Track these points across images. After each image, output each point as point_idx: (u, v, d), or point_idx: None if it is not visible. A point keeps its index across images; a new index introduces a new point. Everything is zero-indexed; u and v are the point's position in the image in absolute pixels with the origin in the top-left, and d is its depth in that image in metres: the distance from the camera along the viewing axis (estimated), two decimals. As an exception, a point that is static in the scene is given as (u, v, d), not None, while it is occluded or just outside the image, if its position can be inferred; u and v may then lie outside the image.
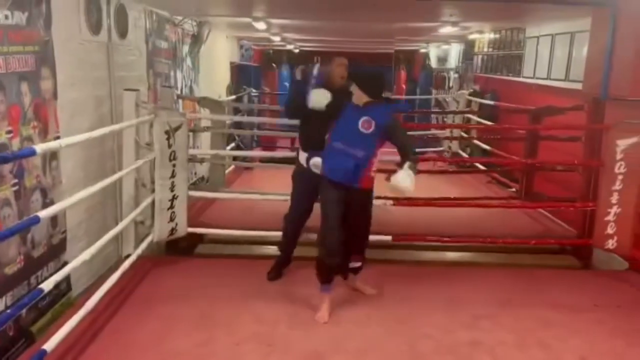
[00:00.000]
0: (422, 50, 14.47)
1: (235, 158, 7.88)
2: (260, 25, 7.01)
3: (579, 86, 5.65)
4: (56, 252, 3.62)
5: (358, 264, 3.76)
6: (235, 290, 3.96)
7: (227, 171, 7.49)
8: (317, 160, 3.66)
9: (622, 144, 4.12)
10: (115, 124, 4.32)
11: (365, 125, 3.34)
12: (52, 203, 3.39)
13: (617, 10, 4.65)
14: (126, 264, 3.80)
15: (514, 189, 7.24)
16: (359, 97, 3.40)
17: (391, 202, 4.41)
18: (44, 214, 2.65)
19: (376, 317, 3.59)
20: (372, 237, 3.79)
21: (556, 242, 4.82)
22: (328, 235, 3.44)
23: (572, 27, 6.09)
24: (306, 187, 3.81)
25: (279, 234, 4.19)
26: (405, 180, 3.18)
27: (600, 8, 4.85)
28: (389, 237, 4.45)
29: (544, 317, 3.70)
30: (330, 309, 3.57)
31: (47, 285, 2.73)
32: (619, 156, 4.15)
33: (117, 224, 4.39)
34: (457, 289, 4.14)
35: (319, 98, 3.49)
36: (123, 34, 4.78)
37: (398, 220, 5.06)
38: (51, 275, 3.03)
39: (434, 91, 12.67)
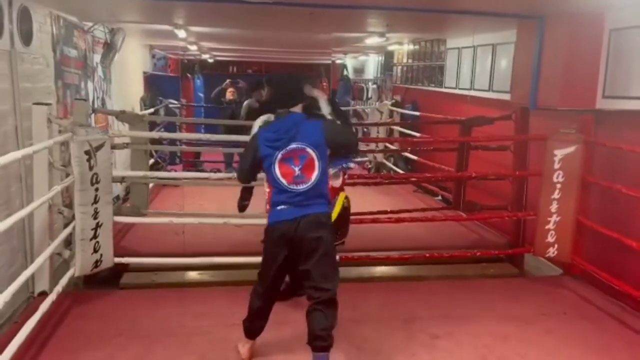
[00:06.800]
0: (338, 62, 14.53)
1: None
2: (181, 33, 6.58)
3: (502, 96, 5.78)
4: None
5: None
6: (173, 326, 3.56)
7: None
8: None
9: (560, 153, 4.20)
10: (21, 142, 3.78)
11: None
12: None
13: (544, 22, 4.77)
14: (44, 304, 3.27)
15: (439, 197, 7.32)
16: None
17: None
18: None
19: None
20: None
21: (499, 252, 4.84)
22: None
23: (493, 39, 6.23)
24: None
25: (214, 259, 3.75)
26: None
27: (526, 20, 4.95)
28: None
29: (499, 331, 3.66)
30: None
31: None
32: (557, 165, 4.22)
33: (26, 257, 3.84)
34: (410, 307, 4.01)
35: None
36: (27, 40, 4.21)
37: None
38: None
39: (351, 102, 12.69)
